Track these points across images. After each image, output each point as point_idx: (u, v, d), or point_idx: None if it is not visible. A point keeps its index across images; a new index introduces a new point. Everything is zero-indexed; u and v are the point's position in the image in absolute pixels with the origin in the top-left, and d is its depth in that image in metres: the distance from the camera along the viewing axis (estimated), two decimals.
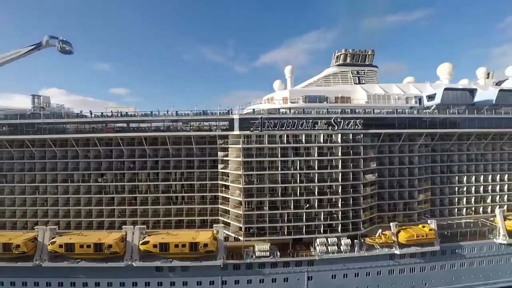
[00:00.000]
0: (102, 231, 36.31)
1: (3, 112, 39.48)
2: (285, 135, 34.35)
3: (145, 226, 35.01)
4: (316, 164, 34.50)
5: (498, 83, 54.91)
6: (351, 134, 34.76)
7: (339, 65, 46.08)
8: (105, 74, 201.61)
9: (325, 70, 47.00)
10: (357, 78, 45.37)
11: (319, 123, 34.04)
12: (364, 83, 44.99)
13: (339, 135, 34.51)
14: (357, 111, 37.60)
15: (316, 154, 34.48)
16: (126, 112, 36.97)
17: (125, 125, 36.72)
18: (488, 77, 55.55)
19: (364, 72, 46.06)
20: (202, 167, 37.19)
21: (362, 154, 35.33)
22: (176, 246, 32.25)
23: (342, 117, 34.34)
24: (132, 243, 33.34)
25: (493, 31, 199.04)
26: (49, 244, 32.81)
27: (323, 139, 34.63)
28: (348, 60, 46.43)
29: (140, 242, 32.93)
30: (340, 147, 34.56)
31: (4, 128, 36.49)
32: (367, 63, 46.95)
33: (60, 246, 32.57)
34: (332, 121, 34.19)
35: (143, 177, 37.30)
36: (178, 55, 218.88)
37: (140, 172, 37.18)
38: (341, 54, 46.75)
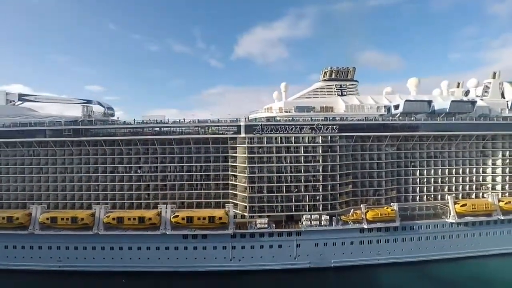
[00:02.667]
0: (140, 210, 49.40)
1: (64, 119, 53.13)
2: (279, 137, 46.94)
3: (173, 205, 47.96)
4: (303, 159, 47.01)
5: (467, 93, 66.83)
6: (329, 136, 47.12)
7: (325, 80, 58.50)
8: (77, 72, 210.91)
9: (314, 84, 59.39)
10: (340, 91, 57.64)
11: (304, 128, 46.59)
12: (345, 95, 57.26)
13: (320, 137, 46.92)
14: (337, 118, 50.16)
15: (302, 151, 46.98)
16: (161, 120, 49.97)
17: (158, 129, 49.95)
18: (458, 86, 67.46)
19: (346, 86, 58.31)
20: (217, 161, 50.04)
21: (338, 152, 47.65)
22: (199, 219, 45.07)
23: (322, 123, 46.80)
24: (165, 217, 46.19)
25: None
26: (105, 217, 46.01)
27: (308, 140, 47.09)
28: (333, 76, 58.80)
29: (172, 216, 45.84)
30: (321, 146, 46.98)
31: (68, 132, 49.86)
32: (349, 78, 59.21)
33: (113, 219, 45.64)
34: (315, 126, 46.68)
35: (171, 169, 50.32)
36: (144, 47, 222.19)
37: (169, 165, 50.24)
38: (327, 71, 59.14)
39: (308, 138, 47.16)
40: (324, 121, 47.36)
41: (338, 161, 47.68)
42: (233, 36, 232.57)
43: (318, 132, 46.71)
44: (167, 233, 45.43)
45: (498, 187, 54.64)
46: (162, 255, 46.05)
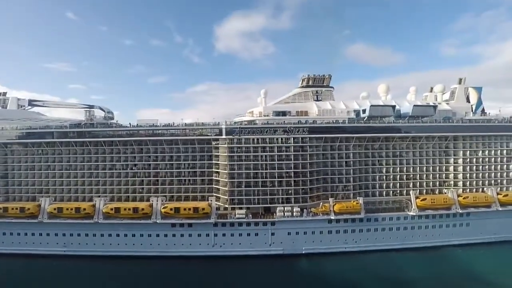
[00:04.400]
0: (135, 202, 57.12)
1: (69, 122, 61.41)
2: (256, 138, 54.36)
3: (164, 197, 55.66)
4: (277, 157, 54.31)
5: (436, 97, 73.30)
6: (300, 138, 54.36)
7: (302, 86, 65.79)
8: (51, 69, 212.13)
9: (293, 90, 66.64)
10: (316, 96, 64.84)
11: (278, 130, 53.95)
12: (321, 100, 64.44)
13: (292, 138, 54.18)
14: (310, 121, 57.45)
15: (276, 151, 54.30)
16: (153, 124, 57.78)
17: (151, 131, 57.80)
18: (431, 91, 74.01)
19: (321, 92, 65.51)
20: (202, 159, 57.55)
21: (308, 151, 54.84)
22: (185, 209, 52.67)
23: (294, 126, 54.10)
24: (156, 208, 53.88)
25: None
26: (104, 208, 53.90)
27: (281, 141, 54.39)
28: (310, 83, 66.06)
29: (162, 207, 53.54)
30: (293, 146, 54.23)
31: (73, 134, 57.96)
32: (325, 84, 66.40)
33: (111, 209, 53.51)
34: (287, 129, 54.02)
35: (162, 166, 58.04)
36: (116, 41, 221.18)
37: (160, 163, 57.98)
38: (305, 78, 66.41)
39: (282, 139, 54.45)
40: (296, 124, 54.64)
41: (308, 159, 54.82)
42: (209, 27, 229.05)
43: (290, 134, 53.99)
44: (158, 222, 53.11)
45: (460, 184, 61.05)
46: (153, 241, 53.74)
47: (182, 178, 57.87)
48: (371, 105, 57.31)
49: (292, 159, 54.37)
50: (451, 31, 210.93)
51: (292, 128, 54.01)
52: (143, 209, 52.96)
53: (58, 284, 46.55)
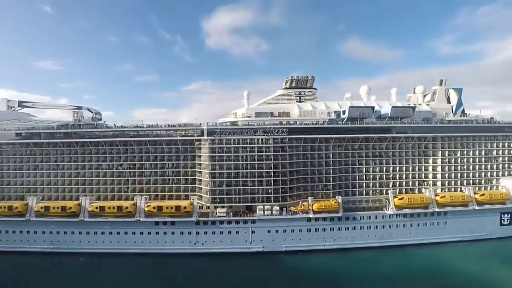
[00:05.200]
0: (120, 201, 59.12)
1: (57, 123, 63.51)
2: (237, 139, 56.41)
3: (148, 196, 57.77)
4: (256, 157, 56.34)
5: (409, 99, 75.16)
6: (280, 138, 56.38)
7: (286, 88, 67.72)
8: (38, 67, 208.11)
9: (277, 91, 68.49)
10: (298, 97, 66.78)
11: (258, 131, 56.00)
12: (303, 101, 66.37)
13: (272, 139, 56.21)
14: (291, 122, 59.50)
15: (256, 151, 56.34)
16: (137, 125, 59.87)
17: (136, 132, 59.90)
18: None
19: (304, 93, 67.44)
20: (185, 159, 59.60)
21: (288, 151, 56.86)
22: (167, 208, 54.80)
23: (273, 127, 56.11)
24: (140, 207, 56.02)
25: None
26: (89, 207, 56.04)
27: (262, 142, 56.42)
28: (293, 84, 68.00)
29: (145, 205, 55.66)
30: (272, 147, 56.26)
31: (59, 135, 60.06)
32: (308, 86, 68.33)
33: (96, 208, 55.67)
34: (267, 130, 56.05)
35: (147, 166, 60.17)
36: (100, 37, 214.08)
37: (145, 163, 60.08)
38: (288, 80, 68.30)
39: (262, 139, 56.48)
40: (276, 125, 56.68)
41: (288, 159, 56.84)
42: (196, 23, 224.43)
43: (270, 134, 56.02)
44: (141, 220, 55.24)
45: (438, 183, 62.99)
46: (137, 239, 55.89)
47: (166, 177, 59.96)
48: (350, 106, 59.22)
49: (272, 159, 56.38)
50: (449, 28, 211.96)
51: (271, 129, 56.03)
52: (127, 207, 55.10)
53: (45, 280, 48.50)
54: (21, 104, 69.22)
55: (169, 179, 59.97)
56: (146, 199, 56.92)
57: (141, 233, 55.93)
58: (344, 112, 60.64)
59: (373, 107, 60.79)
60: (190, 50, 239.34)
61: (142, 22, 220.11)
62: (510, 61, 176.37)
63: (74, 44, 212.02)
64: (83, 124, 61.91)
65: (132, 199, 57.96)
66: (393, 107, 60.67)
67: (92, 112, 68.48)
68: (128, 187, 60.04)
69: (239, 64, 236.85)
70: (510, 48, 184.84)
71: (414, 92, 75.44)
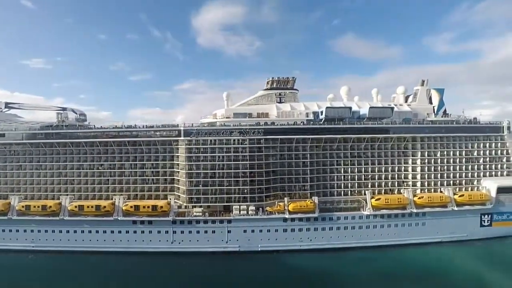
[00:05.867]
0: (99, 200, 60.54)
1: (40, 124, 65.38)
2: (213, 139, 57.56)
3: (127, 196, 59.19)
4: (233, 158, 57.42)
5: (406, 99, 75.48)
6: (255, 139, 57.37)
7: (266, 89, 68.73)
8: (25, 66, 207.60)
9: (258, 92, 69.55)
10: (279, 98, 67.71)
11: (234, 132, 57.07)
12: (283, 102, 67.29)
13: (248, 140, 57.23)
14: (269, 123, 60.48)
15: (232, 152, 57.41)
16: (115, 125, 61.45)
17: (116, 133, 61.43)
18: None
19: (285, 94, 68.35)
20: (164, 159, 60.92)
21: (264, 152, 57.81)
22: (144, 207, 56.13)
23: (249, 128, 57.13)
24: (118, 206, 57.47)
25: None
26: (69, 206, 57.66)
27: (238, 142, 57.47)
28: (274, 85, 68.98)
29: (123, 205, 57.08)
30: (248, 147, 57.26)
31: (41, 135, 61.85)
32: (289, 87, 69.24)
33: (75, 207, 57.28)
34: (243, 130, 57.09)
35: (127, 166, 61.63)
36: (88, 34, 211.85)
37: (125, 163, 61.54)
38: (269, 81, 69.34)
39: (238, 140, 57.54)
40: (252, 126, 57.72)
41: (264, 160, 57.77)
42: (185, 20, 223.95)
43: (245, 135, 57.06)
44: (119, 219, 56.69)
45: (418, 184, 63.27)
46: (116, 237, 57.33)
47: (146, 177, 61.35)
48: (327, 107, 60.00)
49: (248, 160, 57.37)
50: (446, 25, 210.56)
51: (247, 130, 57.05)
52: (105, 206, 56.58)
53: (26, 278, 49.76)
54: (7, 105, 71.17)
55: (148, 179, 61.34)
56: (124, 199, 58.31)
57: (119, 232, 57.35)
58: (322, 112, 61.41)
59: (350, 108, 61.45)
60: (181, 48, 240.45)
61: (131, 19, 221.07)
62: (510, 59, 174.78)
63: (62, 41, 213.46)
64: (65, 125, 63.57)
65: (112, 199, 59.43)
66: (370, 107, 61.25)
67: (75, 113, 70.22)
68: (108, 187, 61.53)
69: (232, 63, 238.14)
70: (510, 45, 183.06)
71: (396, 93, 75.95)
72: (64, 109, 69.83)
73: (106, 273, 50.86)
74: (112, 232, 57.43)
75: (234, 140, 57.62)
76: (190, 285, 48.33)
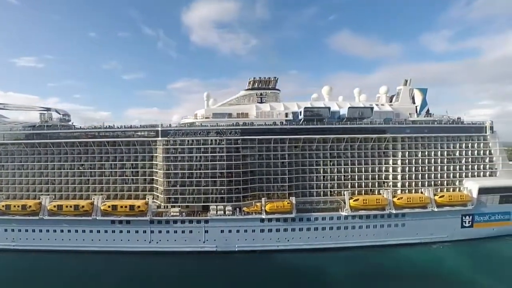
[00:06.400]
0: (78, 200, 61.42)
1: (22, 124, 66.50)
2: (190, 139, 58.17)
3: (105, 195, 60.03)
4: (210, 158, 58.01)
5: (391, 99, 75.44)
6: (232, 139, 57.87)
7: (248, 89, 69.16)
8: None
9: (240, 92, 70.01)
10: (260, 98, 68.11)
11: (211, 132, 57.64)
12: (264, 102, 67.66)
13: (225, 140, 57.75)
14: (248, 123, 60.89)
15: (209, 152, 57.99)
16: (94, 126, 62.36)
17: (96, 133, 62.34)
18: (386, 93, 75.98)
19: (266, 94, 68.71)
20: (143, 159, 61.75)
21: (241, 152, 58.31)
22: (121, 207, 56.94)
23: (226, 128, 57.63)
24: (97, 206, 58.35)
25: None
26: (48, 205, 58.67)
27: (215, 142, 58.03)
28: (256, 85, 69.38)
29: (101, 205, 57.97)
30: (225, 148, 57.78)
31: (22, 136, 62.95)
32: (270, 87, 69.59)
33: (55, 206, 58.28)
34: (220, 131, 57.62)
35: (107, 166, 62.52)
36: (82, 33, 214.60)
37: (105, 163, 62.43)
38: (251, 81, 69.76)
39: (216, 140, 58.10)
40: (229, 126, 58.22)
41: (241, 160, 58.29)
42: (176, 16, 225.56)
43: (223, 135, 57.60)
44: (98, 218, 57.57)
45: (399, 184, 63.30)
46: (94, 237, 58.26)
47: (125, 177, 62.18)
48: (305, 107, 60.28)
49: (225, 160, 57.94)
50: (445, 22, 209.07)
51: (224, 130, 57.57)
52: (83, 206, 57.50)
53: (5, 277, 50.68)
54: None
55: (128, 179, 62.17)
56: (103, 198, 59.19)
57: (98, 231, 58.25)
58: (301, 113, 61.68)
59: (329, 108, 61.65)
60: (175, 46, 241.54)
61: (121, 16, 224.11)
62: (510, 56, 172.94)
63: (51, 39, 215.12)
64: (47, 126, 64.60)
65: (91, 199, 60.32)
66: (349, 107, 61.41)
67: (59, 114, 71.21)
68: (88, 187, 62.47)
69: (227, 61, 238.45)
70: (510, 43, 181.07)
71: (379, 92, 75.95)
72: (48, 109, 70.83)
73: (84, 273, 51.55)
74: (91, 231, 58.35)
75: (211, 140, 58.21)
76: (166, 285, 48.96)
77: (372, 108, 62.37)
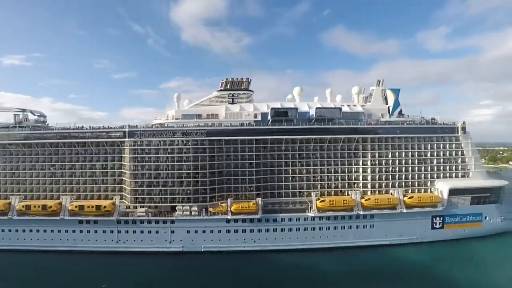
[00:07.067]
0: (47, 200, 62.31)
1: None
2: (157, 140, 59.02)
3: (74, 196, 61.02)
4: (176, 159, 58.80)
5: (366, 99, 75.64)
6: (198, 140, 58.61)
7: (220, 90, 69.86)
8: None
9: (213, 93, 70.74)
10: (231, 99, 68.79)
11: (177, 133, 58.44)
12: (235, 103, 68.32)
13: (191, 141, 58.52)
14: (216, 124, 61.62)
15: (176, 152, 58.78)
16: (63, 127, 63.57)
17: (67, 134, 63.46)
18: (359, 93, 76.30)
19: (238, 95, 69.37)
20: (113, 160, 62.69)
21: (208, 153, 59.02)
22: (88, 207, 57.94)
23: (191, 129, 58.40)
24: (65, 206, 59.38)
25: None
26: (17, 205, 59.84)
27: (181, 143, 58.80)
28: (228, 86, 70.08)
29: (69, 205, 59.01)
30: (192, 148, 58.54)
31: None
32: (243, 88, 70.21)
33: (23, 206, 59.42)
34: (185, 132, 58.41)
35: (77, 167, 63.58)
36: (69, 30, 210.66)
37: (75, 164, 63.50)
38: (224, 82, 70.46)
39: (182, 141, 58.89)
40: (194, 127, 59.00)
41: (208, 160, 59.03)
42: (165, 12, 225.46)
43: (188, 136, 58.39)
44: (65, 218, 58.60)
45: (369, 185, 63.53)
46: (63, 236, 59.29)
47: (95, 178, 63.17)
48: (272, 108, 60.90)
49: (192, 161, 58.72)
50: (442, 19, 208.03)
51: (190, 131, 58.35)
52: (51, 206, 58.55)
53: None
54: None
55: (97, 179, 63.14)
56: (71, 199, 60.23)
57: (66, 231, 59.27)
58: (269, 113, 62.24)
59: (296, 109, 62.19)
60: (165, 44, 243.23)
61: (109, 13, 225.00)
62: (510, 56, 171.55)
63: (36, 36, 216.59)
64: (19, 127, 65.90)
65: (61, 199, 61.40)
66: (317, 108, 61.87)
67: (34, 115, 72.51)
68: (59, 187, 63.52)
69: (220, 60, 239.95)
70: (509, 41, 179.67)
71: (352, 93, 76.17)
72: (23, 110, 72.14)
73: (51, 273, 52.15)
74: (59, 231, 59.38)
75: (178, 141, 59.00)
76: (132, 284, 49.61)
77: (340, 109, 62.77)
